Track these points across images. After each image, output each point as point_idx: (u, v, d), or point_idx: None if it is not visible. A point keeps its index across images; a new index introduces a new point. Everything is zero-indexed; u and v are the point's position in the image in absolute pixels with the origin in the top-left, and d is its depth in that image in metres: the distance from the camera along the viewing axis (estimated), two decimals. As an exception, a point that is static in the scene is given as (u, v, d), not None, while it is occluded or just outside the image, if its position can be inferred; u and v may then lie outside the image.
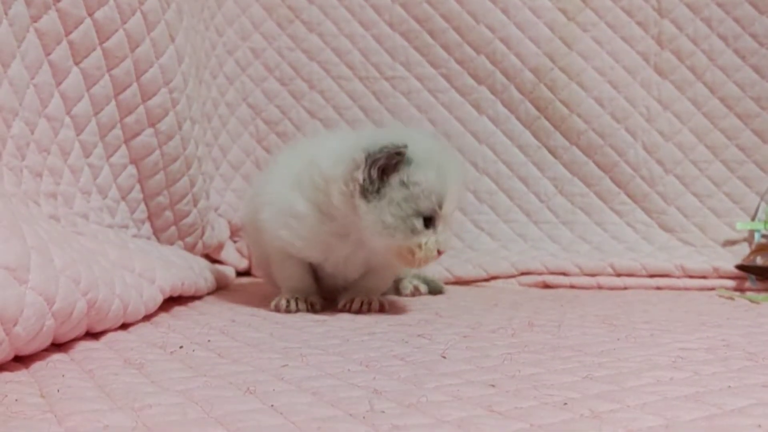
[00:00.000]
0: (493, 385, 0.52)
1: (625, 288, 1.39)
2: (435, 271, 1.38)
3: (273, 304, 0.96)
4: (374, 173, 0.86)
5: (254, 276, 1.47)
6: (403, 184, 0.86)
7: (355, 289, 1.00)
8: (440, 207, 0.87)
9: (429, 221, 0.88)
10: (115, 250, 0.86)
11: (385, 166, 0.86)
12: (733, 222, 1.48)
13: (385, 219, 0.86)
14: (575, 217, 1.53)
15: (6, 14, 0.78)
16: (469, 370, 0.57)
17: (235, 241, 1.50)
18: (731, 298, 1.20)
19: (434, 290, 1.24)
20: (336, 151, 0.91)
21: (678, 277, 1.40)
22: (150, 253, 0.99)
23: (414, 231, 0.87)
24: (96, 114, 0.96)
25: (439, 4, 1.57)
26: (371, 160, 0.85)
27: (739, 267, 1.36)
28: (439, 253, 0.89)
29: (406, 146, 0.86)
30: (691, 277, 1.39)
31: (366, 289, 0.99)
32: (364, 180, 0.86)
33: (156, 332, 0.77)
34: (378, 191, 0.86)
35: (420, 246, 0.87)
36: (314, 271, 1.02)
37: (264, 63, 1.58)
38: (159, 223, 1.14)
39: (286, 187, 0.96)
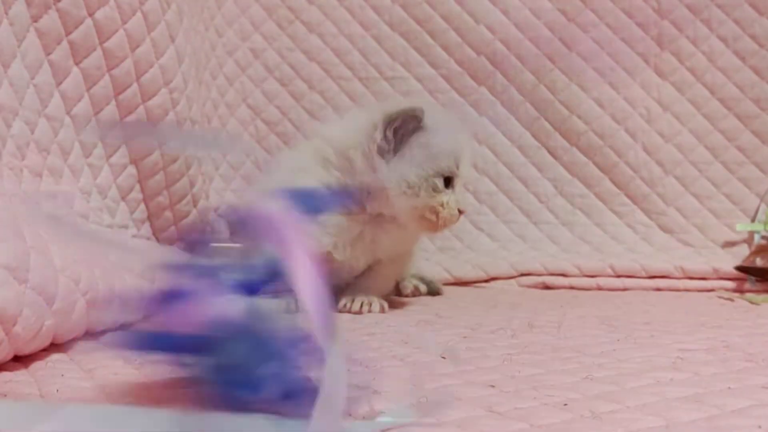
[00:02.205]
0: (492, 386, 0.52)
1: (625, 289, 1.39)
2: (434, 271, 1.38)
3: (273, 304, 0.96)
4: (390, 134, 0.91)
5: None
6: (423, 145, 0.91)
7: (355, 290, 1.00)
8: (457, 167, 0.92)
9: (448, 182, 0.92)
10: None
11: (401, 127, 0.91)
12: (732, 223, 1.48)
13: (408, 178, 0.91)
14: (575, 218, 1.53)
15: (6, 14, 0.78)
16: (468, 371, 0.57)
17: (234, 242, 1.50)
18: (731, 300, 1.20)
19: (433, 291, 1.24)
20: (349, 123, 0.97)
21: (678, 278, 1.39)
22: (150, 253, 0.99)
23: (436, 189, 0.91)
24: (96, 114, 0.96)
25: (439, 5, 1.57)
26: (388, 121, 0.91)
27: (739, 268, 1.36)
28: (460, 213, 0.93)
29: (422, 110, 0.91)
30: (690, 278, 1.39)
31: (367, 290, 1.00)
32: (381, 140, 0.91)
33: (155, 332, 0.77)
34: (396, 152, 0.91)
35: (443, 204, 0.92)
36: None
37: (264, 63, 1.58)
38: (159, 223, 1.14)
39: (291, 176, 0.98)
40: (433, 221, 0.92)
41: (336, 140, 0.95)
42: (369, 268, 1.01)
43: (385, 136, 0.91)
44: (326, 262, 1.00)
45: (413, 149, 0.91)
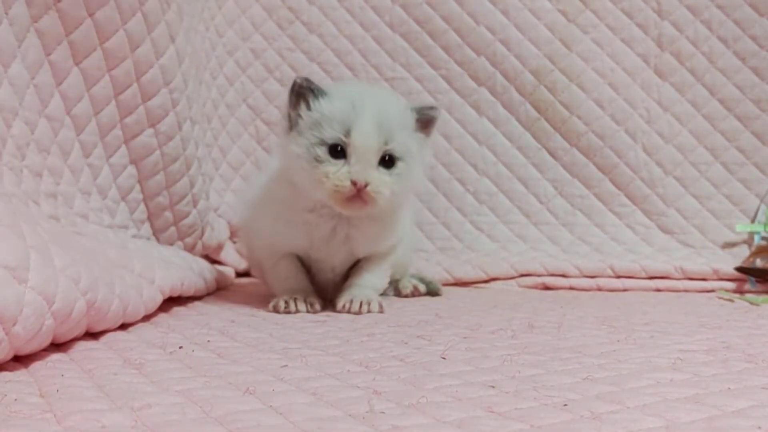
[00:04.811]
0: (492, 386, 0.52)
1: (625, 290, 1.39)
2: (434, 272, 1.38)
3: (271, 305, 0.96)
4: (292, 111, 0.90)
5: (254, 276, 1.46)
6: (308, 115, 0.89)
7: (352, 289, 1.00)
8: (347, 136, 0.87)
9: (339, 152, 0.87)
10: (115, 250, 0.86)
11: (296, 94, 0.89)
12: (732, 224, 1.48)
13: (293, 149, 0.89)
14: (575, 219, 1.53)
15: (6, 14, 0.78)
16: (468, 371, 0.57)
17: (234, 242, 1.50)
18: (731, 300, 1.20)
19: (432, 291, 1.24)
20: None
21: (677, 279, 1.40)
22: (150, 254, 0.99)
23: (318, 159, 0.87)
24: (96, 114, 0.96)
25: (439, 6, 1.57)
26: (290, 91, 0.90)
27: (739, 269, 1.36)
28: (355, 185, 0.86)
29: (308, 78, 0.89)
30: (690, 279, 1.39)
31: (363, 288, 1.00)
32: (284, 119, 0.91)
33: (155, 332, 0.77)
34: (294, 126, 0.90)
35: (327, 175, 0.86)
36: (308, 273, 1.03)
37: (264, 64, 1.58)
38: (159, 223, 1.14)
39: (269, 179, 1.01)
40: (329, 191, 0.86)
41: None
42: (358, 267, 1.02)
43: (289, 115, 0.90)
44: (308, 262, 1.01)
45: (302, 119, 0.89)
